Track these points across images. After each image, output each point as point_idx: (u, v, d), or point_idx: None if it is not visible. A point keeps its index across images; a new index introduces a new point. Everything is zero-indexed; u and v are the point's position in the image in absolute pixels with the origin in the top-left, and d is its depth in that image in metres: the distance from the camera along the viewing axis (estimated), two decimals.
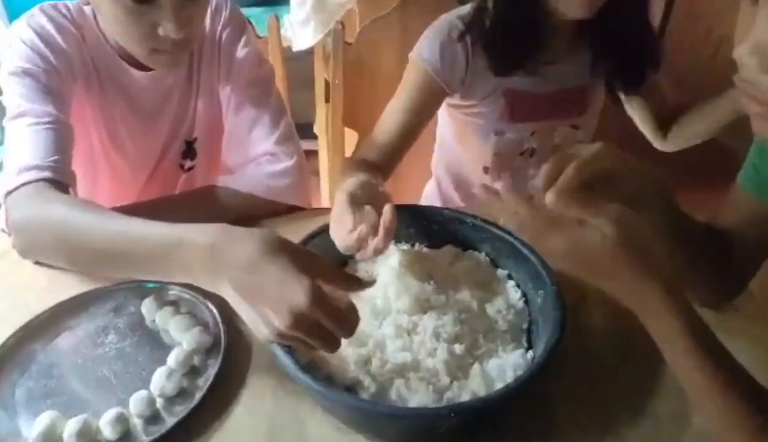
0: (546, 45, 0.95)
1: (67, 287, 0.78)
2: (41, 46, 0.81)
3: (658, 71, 0.98)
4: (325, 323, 0.53)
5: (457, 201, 1.17)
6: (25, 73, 0.79)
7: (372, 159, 0.95)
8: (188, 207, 0.88)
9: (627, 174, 0.55)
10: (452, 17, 0.97)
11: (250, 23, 1.04)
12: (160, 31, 0.77)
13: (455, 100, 1.03)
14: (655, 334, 0.52)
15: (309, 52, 1.83)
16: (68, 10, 0.85)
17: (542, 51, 0.95)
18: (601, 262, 0.50)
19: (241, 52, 0.93)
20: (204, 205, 0.89)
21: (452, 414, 0.53)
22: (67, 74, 0.83)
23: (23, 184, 0.71)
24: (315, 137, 1.91)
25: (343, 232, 0.69)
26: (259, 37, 1.27)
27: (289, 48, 1.80)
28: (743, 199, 0.68)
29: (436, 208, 0.81)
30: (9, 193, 0.72)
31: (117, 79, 0.89)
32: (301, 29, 1.80)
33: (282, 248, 0.55)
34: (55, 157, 0.74)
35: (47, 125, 0.77)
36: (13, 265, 0.83)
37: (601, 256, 0.50)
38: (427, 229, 0.80)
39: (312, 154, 1.91)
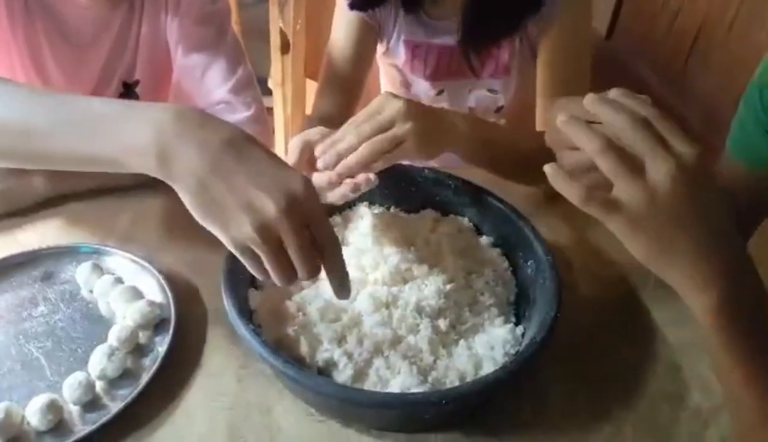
0: None
1: None
2: None
3: (512, 34, 0.89)
4: (297, 243, 0.45)
5: None
6: None
7: (329, 113, 0.88)
8: None
9: None
10: None
11: None
12: None
13: (380, 45, 0.97)
14: (720, 324, 0.42)
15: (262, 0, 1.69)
16: None
17: (444, 2, 0.90)
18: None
19: None
20: None
21: (444, 402, 0.47)
22: None
23: None
24: (270, 93, 1.79)
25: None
26: None
27: None
28: (729, 164, 0.64)
29: (415, 167, 0.73)
30: None
31: (47, 2, 0.76)
32: None
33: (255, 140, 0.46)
34: None
35: None
36: None
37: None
38: (404, 190, 0.72)
39: (267, 111, 1.80)
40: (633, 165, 0.38)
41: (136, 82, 0.88)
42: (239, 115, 0.82)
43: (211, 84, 0.82)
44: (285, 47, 1.42)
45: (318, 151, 0.62)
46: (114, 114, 0.46)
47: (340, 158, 0.61)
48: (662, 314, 0.65)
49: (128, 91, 0.88)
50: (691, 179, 0.37)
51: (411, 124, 0.61)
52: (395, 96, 0.64)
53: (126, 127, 0.45)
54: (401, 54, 0.96)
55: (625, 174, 0.37)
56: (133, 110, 0.46)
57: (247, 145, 0.45)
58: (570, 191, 0.39)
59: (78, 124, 0.46)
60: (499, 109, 1.00)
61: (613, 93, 0.42)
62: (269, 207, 0.43)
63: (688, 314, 0.43)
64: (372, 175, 0.60)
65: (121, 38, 0.84)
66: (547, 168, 0.41)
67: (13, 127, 0.47)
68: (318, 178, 0.61)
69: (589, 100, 0.41)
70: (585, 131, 0.39)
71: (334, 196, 0.61)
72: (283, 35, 1.53)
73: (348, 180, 0.60)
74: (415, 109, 0.63)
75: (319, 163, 0.62)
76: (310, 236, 0.46)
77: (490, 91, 0.98)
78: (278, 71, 1.64)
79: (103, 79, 0.86)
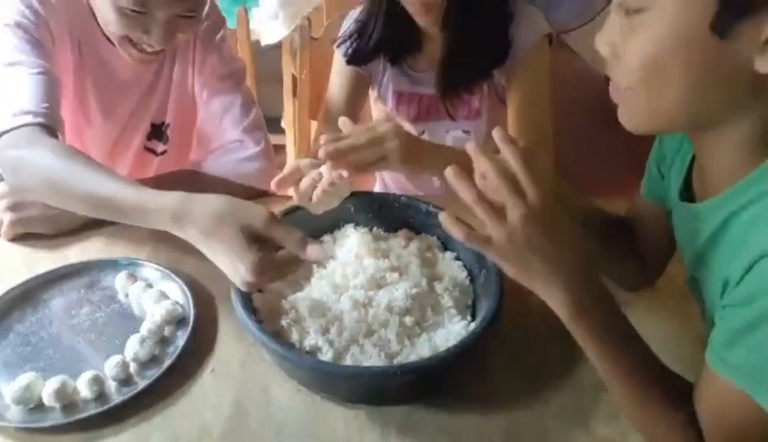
0: (427, 52, 1.04)
1: (41, 263, 0.82)
2: (35, 3, 0.86)
3: (482, 79, 1.03)
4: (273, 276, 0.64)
5: (391, 185, 1.25)
6: (19, 25, 0.84)
7: None
8: (168, 188, 0.92)
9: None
10: (355, 13, 1.07)
11: None
12: (144, 37, 0.83)
13: (372, 91, 1.13)
14: (575, 323, 0.55)
15: (277, 47, 1.87)
16: None
17: (424, 57, 1.05)
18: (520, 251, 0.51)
19: (217, 46, 1.00)
20: (185, 187, 0.93)
21: (399, 372, 0.61)
22: (54, 30, 0.88)
23: (17, 127, 0.77)
24: (283, 132, 1.96)
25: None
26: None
27: (257, 42, 1.84)
28: (641, 202, 0.76)
29: (392, 195, 0.88)
30: (3, 133, 0.78)
31: (95, 50, 0.94)
32: (268, 23, 1.84)
33: (231, 219, 0.63)
34: (47, 104, 0.80)
35: (39, 74, 0.82)
36: None
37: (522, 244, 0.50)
38: (384, 214, 0.87)
39: (280, 148, 1.95)
40: (497, 211, 0.50)
41: (166, 124, 1.05)
42: (250, 150, 0.98)
43: (228, 126, 0.98)
44: (296, 91, 1.59)
45: (322, 144, 0.75)
46: (144, 201, 0.69)
47: (338, 153, 0.74)
48: None
49: (157, 130, 1.05)
50: (538, 218, 0.50)
51: (397, 141, 0.77)
52: (389, 119, 0.80)
53: (152, 216, 0.68)
54: (389, 101, 1.12)
55: (491, 220, 0.51)
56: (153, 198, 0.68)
57: (220, 229, 0.63)
58: (455, 232, 0.53)
59: (117, 203, 0.70)
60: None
61: (495, 134, 0.55)
62: (246, 274, 0.61)
63: None
64: (344, 172, 0.75)
65: (151, 87, 1.01)
66: (442, 216, 0.54)
67: (96, 199, 0.71)
68: (304, 183, 0.75)
69: (471, 151, 0.54)
70: (463, 186, 0.52)
71: (316, 195, 0.74)
72: (294, 80, 1.70)
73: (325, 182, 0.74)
74: (402, 131, 0.79)
75: (320, 153, 0.74)
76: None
77: (465, 131, 1.13)
78: (290, 113, 1.81)
79: (134, 121, 1.02)
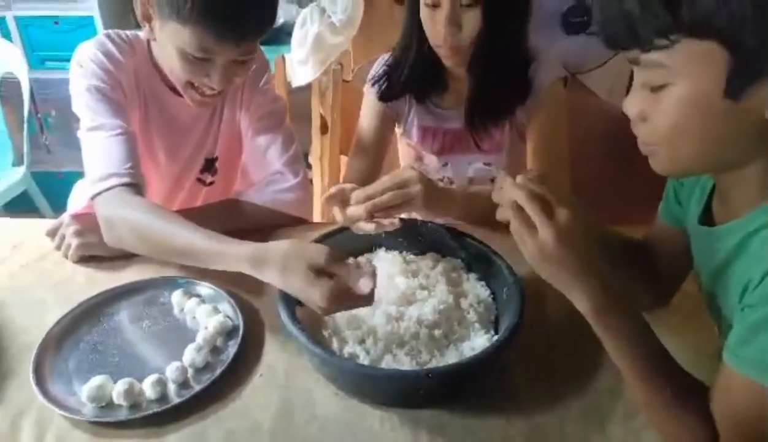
0: (453, 90, 1.14)
1: (103, 282, 0.91)
2: (108, 64, 0.97)
3: (507, 116, 1.12)
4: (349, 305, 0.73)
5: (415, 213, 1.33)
6: (97, 89, 0.95)
7: (356, 179, 1.11)
8: (215, 216, 1.01)
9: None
10: (387, 56, 1.17)
11: None
12: (206, 81, 0.94)
13: (398, 127, 1.23)
14: (599, 324, 0.62)
15: (305, 88, 2.00)
16: (126, 36, 1.03)
17: (450, 95, 1.14)
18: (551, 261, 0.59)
19: (262, 88, 1.10)
20: (228, 215, 1.03)
21: (429, 375, 0.67)
22: (125, 87, 1.00)
23: (106, 190, 0.88)
24: (309, 166, 2.07)
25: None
26: None
27: (289, 83, 1.96)
28: (660, 225, 0.83)
29: (421, 221, 0.96)
30: (95, 196, 0.90)
31: (158, 99, 1.05)
32: (300, 67, 1.97)
33: (299, 258, 0.73)
34: (129, 164, 0.91)
35: (119, 136, 0.93)
36: (54, 265, 0.97)
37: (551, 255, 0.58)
38: (413, 239, 0.95)
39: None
40: (530, 227, 0.59)
41: (216, 158, 1.15)
42: (290, 182, 1.07)
43: (270, 159, 1.08)
44: (324, 128, 1.70)
45: (354, 193, 0.85)
46: (222, 250, 0.80)
47: (368, 198, 0.84)
48: None
49: (208, 164, 1.15)
50: (565, 236, 0.57)
51: (420, 187, 0.86)
52: (413, 168, 0.89)
53: (230, 263, 0.80)
54: (414, 135, 1.21)
55: (524, 234, 0.59)
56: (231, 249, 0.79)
57: (292, 268, 0.73)
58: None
59: (199, 253, 0.82)
60: (493, 180, 1.22)
61: (519, 178, 0.63)
62: (319, 301, 0.71)
63: None
64: (396, 220, 0.85)
65: (208, 127, 1.12)
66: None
67: (180, 250, 0.84)
68: (352, 210, 0.84)
69: (501, 179, 0.63)
70: (515, 188, 0.61)
71: (365, 227, 0.84)
72: (322, 119, 1.82)
73: (376, 220, 0.84)
74: (424, 177, 0.88)
75: (352, 200, 0.85)
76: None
77: (486, 164, 1.21)
78: (317, 148, 1.92)
79: (193, 157, 1.13)
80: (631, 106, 0.60)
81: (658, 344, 0.63)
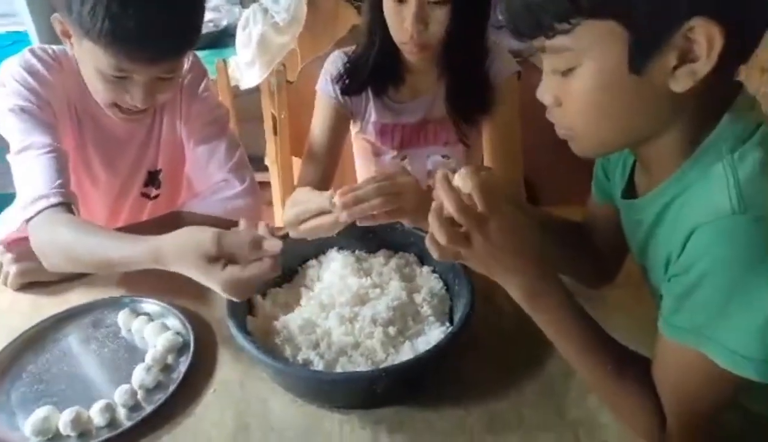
0: (408, 84, 1.12)
1: (46, 308, 0.88)
2: (33, 82, 0.93)
3: (485, 112, 1.11)
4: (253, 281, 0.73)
5: None
6: (22, 110, 0.91)
7: (311, 182, 1.09)
8: (158, 230, 0.98)
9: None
10: (340, 53, 1.15)
11: None
12: (128, 98, 0.91)
13: (353, 126, 1.21)
14: (538, 317, 0.64)
15: (257, 89, 1.97)
16: (53, 51, 0.98)
17: (406, 88, 1.13)
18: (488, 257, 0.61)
19: (201, 97, 1.07)
20: (173, 228, 0.99)
21: (384, 374, 0.67)
22: (55, 105, 0.95)
23: (36, 214, 0.85)
24: (266, 169, 2.04)
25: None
26: None
27: (237, 86, 1.93)
28: (594, 203, 0.84)
29: None
30: (27, 221, 0.86)
31: (92, 114, 1.02)
32: (247, 69, 1.94)
33: (188, 249, 0.74)
34: (58, 182, 0.88)
35: (47, 154, 0.89)
36: None
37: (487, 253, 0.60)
38: (364, 237, 0.94)
39: (264, 184, 2.03)
40: (476, 222, 0.59)
41: (159, 171, 1.12)
42: (236, 189, 1.05)
43: (214, 168, 1.06)
44: (276, 130, 1.67)
45: (340, 193, 0.77)
46: (135, 255, 0.79)
47: (356, 200, 0.77)
48: None
49: (151, 177, 1.12)
50: (493, 238, 0.59)
51: (414, 197, 0.78)
52: (408, 172, 0.82)
53: (146, 264, 0.79)
54: (372, 131, 1.19)
55: (458, 240, 0.60)
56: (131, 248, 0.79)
57: (186, 260, 0.74)
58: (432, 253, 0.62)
59: (118, 261, 0.82)
60: (452, 171, 1.22)
61: (462, 171, 0.62)
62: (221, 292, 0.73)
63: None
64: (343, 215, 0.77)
65: (147, 139, 1.08)
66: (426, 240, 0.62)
67: (106, 264, 0.83)
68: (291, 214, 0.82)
69: (439, 180, 0.62)
70: (450, 196, 0.60)
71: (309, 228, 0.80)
72: (274, 120, 1.79)
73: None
74: (419, 187, 0.80)
75: (338, 202, 0.77)
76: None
77: (444, 156, 1.21)
78: (272, 151, 1.90)
79: (133, 171, 1.09)
80: (545, 93, 0.61)
81: (593, 324, 0.64)
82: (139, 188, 1.12)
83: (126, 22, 0.80)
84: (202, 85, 1.08)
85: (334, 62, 1.15)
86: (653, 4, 0.49)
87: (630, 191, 0.71)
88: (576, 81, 0.56)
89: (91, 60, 0.87)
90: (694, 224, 0.54)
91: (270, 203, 1.96)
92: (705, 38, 0.49)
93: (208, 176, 1.06)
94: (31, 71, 0.94)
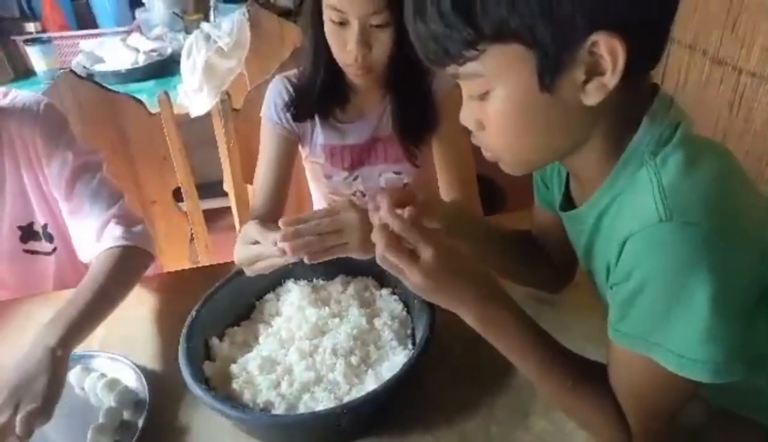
0: (353, 104, 1.11)
1: None
2: None
3: (433, 130, 1.10)
4: None
5: None
6: None
7: (264, 213, 1.07)
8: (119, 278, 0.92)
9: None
10: (283, 79, 1.13)
11: (140, 102, 1.14)
12: None
13: (302, 149, 1.19)
14: (495, 340, 0.63)
15: (208, 114, 1.93)
16: None
17: (351, 108, 1.12)
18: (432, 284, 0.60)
19: (61, 148, 1.00)
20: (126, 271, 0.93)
21: (344, 411, 0.65)
22: None
23: None
24: (226, 194, 2.00)
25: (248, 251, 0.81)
26: (151, 114, 1.37)
27: (184, 114, 1.89)
28: (538, 210, 0.84)
29: None
30: None
31: None
32: (195, 96, 1.90)
33: None
34: None
35: None
36: None
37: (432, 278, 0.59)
38: (322, 264, 0.91)
39: (225, 210, 2.00)
40: (399, 268, 0.60)
41: (44, 225, 1.07)
42: (128, 223, 0.98)
43: (96, 213, 0.98)
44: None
45: (282, 227, 0.76)
46: None
47: (298, 234, 0.75)
48: None
49: (28, 232, 1.06)
50: (431, 271, 0.58)
51: (359, 233, 0.77)
52: (354, 205, 0.80)
53: None
54: (321, 154, 1.18)
55: (399, 273, 0.60)
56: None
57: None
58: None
59: None
60: (404, 186, 1.21)
61: (383, 205, 0.62)
62: None
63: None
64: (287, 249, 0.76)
65: None
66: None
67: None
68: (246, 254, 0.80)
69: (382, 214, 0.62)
70: (382, 237, 0.60)
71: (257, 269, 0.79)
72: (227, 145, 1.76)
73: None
74: (365, 220, 0.75)
75: (281, 240, 0.75)
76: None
77: (396, 173, 1.20)
78: (229, 175, 1.86)
79: None
80: (466, 118, 0.61)
81: (550, 340, 0.64)
82: (17, 246, 1.07)
83: None
84: (64, 140, 1.01)
85: (277, 89, 1.13)
86: (553, 25, 0.49)
87: (569, 201, 0.71)
88: (492, 104, 0.56)
89: None
90: (627, 232, 0.54)
91: (233, 228, 1.93)
92: (608, 52, 0.49)
93: (89, 227, 0.98)
94: None
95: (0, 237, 1.05)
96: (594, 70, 0.51)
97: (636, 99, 0.56)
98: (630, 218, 0.54)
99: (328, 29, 0.97)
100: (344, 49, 0.97)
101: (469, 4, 0.50)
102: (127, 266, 0.93)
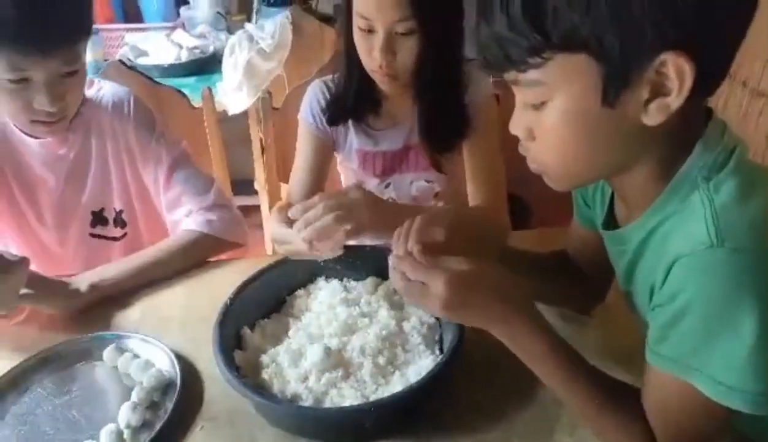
0: (386, 111, 1.12)
1: (31, 347, 0.86)
2: None
3: (462, 139, 1.11)
4: None
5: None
6: None
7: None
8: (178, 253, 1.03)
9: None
10: (321, 83, 1.15)
11: (183, 95, 1.22)
12: (35, 105, 0.91)
13: (337, 153, 1.21)
14: (523, 356, 0.65)
15: (244, 114, 1.97)
16: None
17: (384, 115, 1.13)
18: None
19: (155, 142, 1.08)
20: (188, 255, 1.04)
21: (372, 409, 0.66)
22: None
23: None
24: (256, 193, 2.03)
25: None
26: (193, 108, 1.40)
27: (223, 112, 1.93)
28: (576, 228, 0.84)
29: (359, 246, 0.94)
30: None
31: (11, 147, 1.03)
32: (234, 95, 1.94)
33: None
34: None
35: None
36: None
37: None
38: (353, 264, 0.93)
39: (254, 208, 2.03)
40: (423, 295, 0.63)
41: (120, 211, 1.12)
42: (220, 212, 1.07)
43: (189, 201, 1.07)
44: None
45: (292, 213, 0.80)
46: None
47: (308, 223, 0.78)
48: None
49: (98, 217, 1.11)
50: (447, 302, 0.61)
51: (366, 213, 0.79)
52: (359, 187, 0.84)
53: None
54: (355, 160, 1.19)
55: (420, 300, 0.64)
56: None
57: None
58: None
59: None
60: (436, 195, 1.22)
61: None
62: None
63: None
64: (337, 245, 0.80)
65: (77, 179, 1.07)
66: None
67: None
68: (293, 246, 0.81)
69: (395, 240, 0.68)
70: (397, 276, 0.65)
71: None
72: (262, 143, 1.79)
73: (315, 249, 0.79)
74: (371, 200, 0.81)
75: (290, 215, 0.80)
76: None
77: (428, 181, 1.21)
78: (261, 175, 1.89)
79: (63, 209, 1.08)
80: (517, 126, 0.60)
81: (579, 357, 0.64)
82: (84, 229, 1.11)
83: (5, 12, 0.81)
84: (155, 133, 1.08)
85: (314, 92, 1.15)
86: (624, 38, 0.49)
87: (611, 220, 0.71)
88: (548, 115, 0.56)
89: None
90: (675, 255, 0.54)
91: (260, 226, 1.96)
92: (676, 73, 0.49)
93: (183, 212, 1.08)
94: None
95: (74, 220, 1.10)
96: (659, 91, 0.51)
97: (691, 123, 0.56)
98: (679, 241, 0.55)
99: (356, 36, 0.99)
100: (370, 56, 0.98)
101: (540, 10, 0.50)
102: (192, 251, 1.04)
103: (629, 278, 0.67)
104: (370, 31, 0.96)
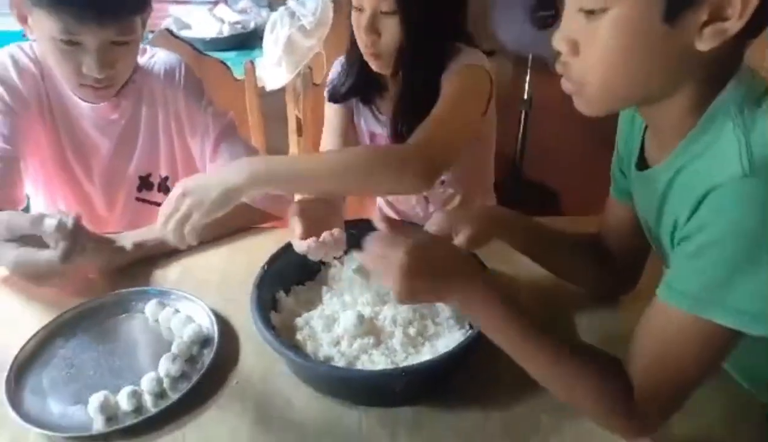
0: (392, 95, 1.12)
1: (74, 299, 0.90)
2: (9, 76, 0.99)
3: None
4: None
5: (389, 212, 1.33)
6: None
7: None
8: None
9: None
10: (341, 59, 1.17)
11: (227, 67, 1.25)
12: (84, 70, 0.93)
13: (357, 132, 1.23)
14: (481, 324, 0.67)
15: (282, 90, 1.99)
16: (32, 49, 1.02)
17: (388, 100, 1.13)
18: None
19: (203, 112, 1.10)
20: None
21: (403, 374, 0.68)
22: (21, 109, 1.00)
23: None
24: None
25: (295, 241, 0.84)
26: (236, 80, 1.43)
27: (261, 87, 1.96)
28: (612, 204, 0.84)
29: (395, 219, 0.96)
30: None
31: (66, 109, 1.06)
32: (273, 70, 1.97)
33: None
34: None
35: None
36: (26, 283, 0.95)
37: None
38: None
39: None
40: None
41: (165, 178, 1.16)
42: None
43: None
44: (299, 131, 1.70)
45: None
46: None
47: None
48: (580, 319, 0.85)
49: (144, 182, 1.15)
50: (417, 254, 0.64)
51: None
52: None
53: None
54: (365, 140, 1.22)
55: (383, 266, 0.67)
56: None
57: None
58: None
59: None
60: (442, 182, 1.21)
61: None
62: None
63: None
64: (335, 231, 0.82)
65: (127, 143, 1.11)
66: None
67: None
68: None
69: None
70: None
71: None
72: (297, 121, 1.82)
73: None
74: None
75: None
76: None
77: None
78: (295, 150, 1.92)
79: (113, 171, 1.13)
80: (563, 37, 0.59)
81: (538, 325, 0.65)
82: (131, 193, 1.15)
83: None
84: (203, 100, 1.11)
85: (335, 67, 1.18)
86: None
87: (643, 163, 0.70)
88: (605, 23, 0.55)
89: (42, 30, 0.90)
90: (708, 186, 0.54)
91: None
92: None
93: None
94: (10, 65, 0.99)
95: (123, 183, 1.14)
96: (718, 14, 0.51)
97: (730, 61, 0.57)
98: (712, 172, 0.54)
99: (352, 16, 1.02)
100: (359, 35, 1.01)
101: None
102: (233, 222, 1.02)
103: (658, 222, 0.67)
104: (360, 10, 0.99)
